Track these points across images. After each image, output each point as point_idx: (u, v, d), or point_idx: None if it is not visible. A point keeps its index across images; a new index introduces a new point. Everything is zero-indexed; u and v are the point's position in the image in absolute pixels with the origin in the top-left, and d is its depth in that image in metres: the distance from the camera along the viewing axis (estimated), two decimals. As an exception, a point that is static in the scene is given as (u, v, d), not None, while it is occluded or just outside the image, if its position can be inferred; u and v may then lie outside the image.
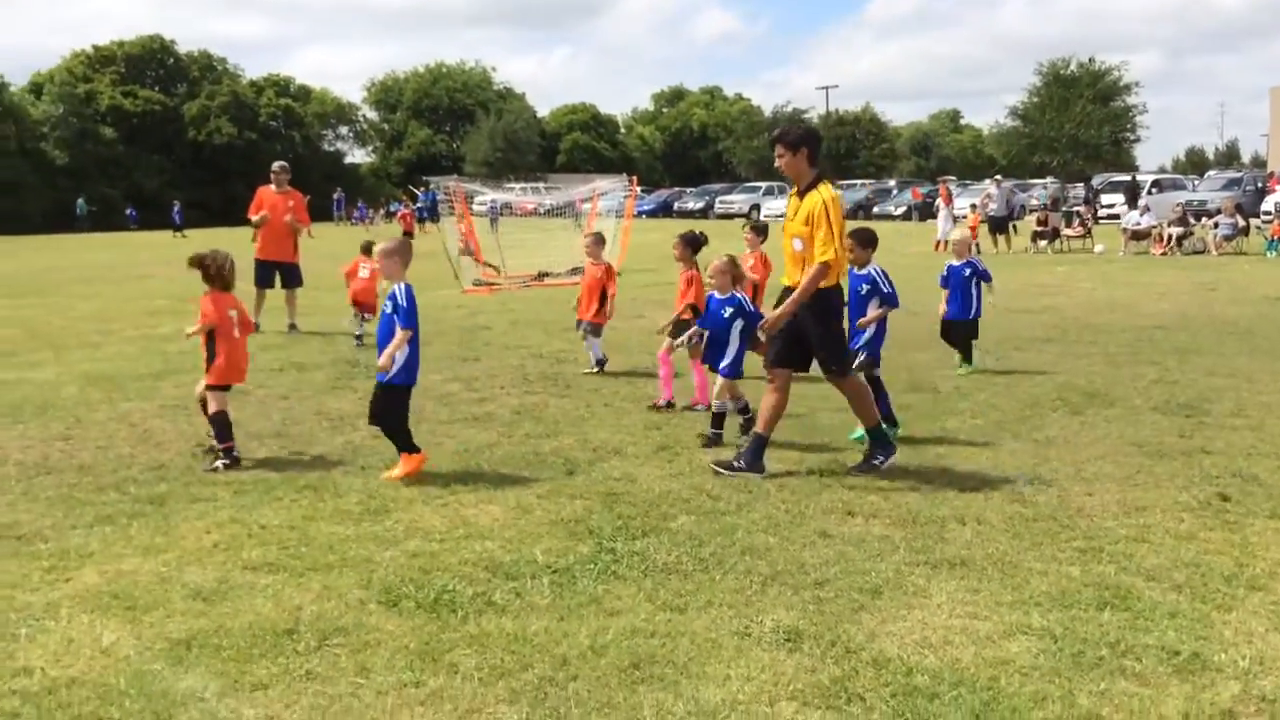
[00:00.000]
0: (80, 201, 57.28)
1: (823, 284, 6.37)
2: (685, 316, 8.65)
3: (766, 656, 3.87)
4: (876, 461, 6.59)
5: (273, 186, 13.60)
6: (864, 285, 9.06)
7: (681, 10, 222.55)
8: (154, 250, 35.29)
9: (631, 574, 4.74)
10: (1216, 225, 26.30)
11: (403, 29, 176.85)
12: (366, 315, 11.88)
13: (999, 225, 28.21)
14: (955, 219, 29.63)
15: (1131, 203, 30.52)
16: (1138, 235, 26.87)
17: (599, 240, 10.83)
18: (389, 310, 6.48)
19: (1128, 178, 44.94)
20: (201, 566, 4.91)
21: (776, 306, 6.70)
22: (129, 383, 9.82)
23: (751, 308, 7.48)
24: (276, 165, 13.99)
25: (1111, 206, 39.83)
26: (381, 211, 58.91)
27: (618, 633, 4.07)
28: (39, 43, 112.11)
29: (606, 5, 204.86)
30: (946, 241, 28.26)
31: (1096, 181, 48.17)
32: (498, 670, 3.78)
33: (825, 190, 6.41)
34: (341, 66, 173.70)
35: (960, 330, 10.36)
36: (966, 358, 10.27)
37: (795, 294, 6.40)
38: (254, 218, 13.53)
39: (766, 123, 79.08)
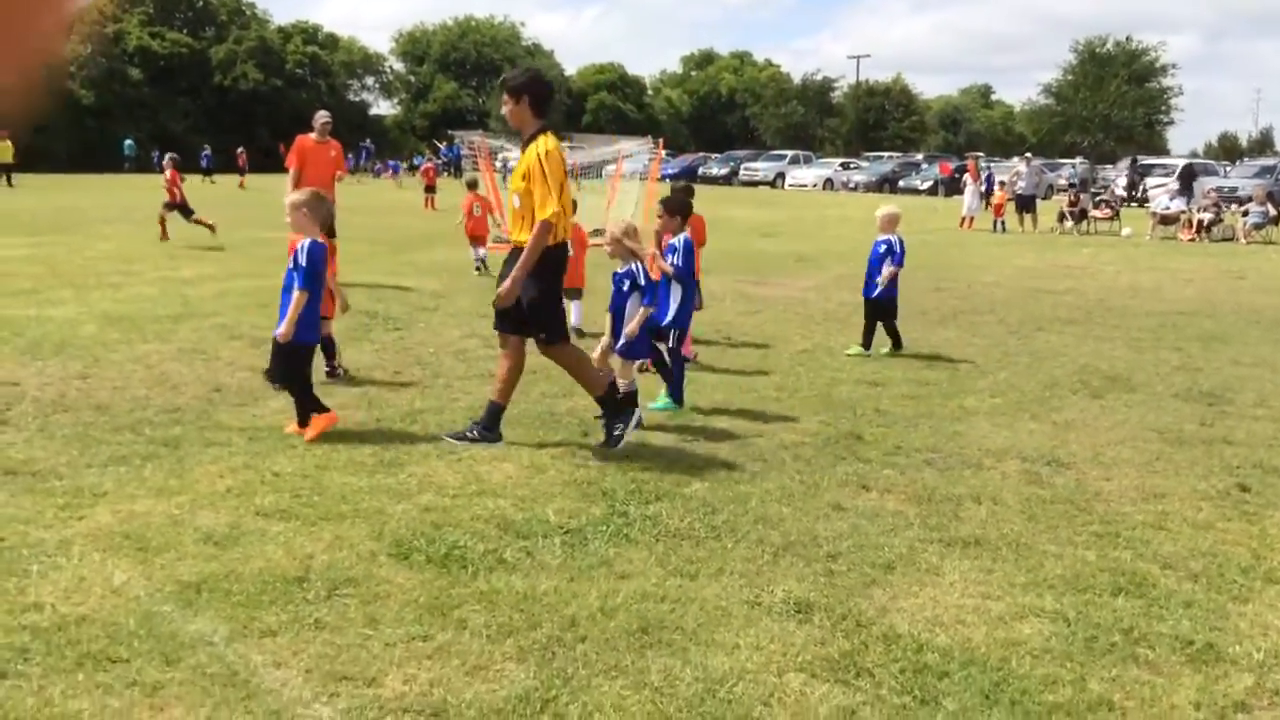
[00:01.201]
0: (129, 141, 57.17)
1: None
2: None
3: (776, 627, 3.85)
4: (616, 431, 6.11)
5: (314, 136, 13.34)
6: (881, 247, 9.60)
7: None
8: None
9: (643, 538, 4.73)
10: (1247, 213, 25.96)
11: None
12: (480, 250, 14.67)
13: (1026, 204, 27.92)
14: (982, 196, 29.30)
15: (1186, 188, 29.97)
16: (1166, 220, 26.55)
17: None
18: (291, 266, 6.24)
19: (1170, 160, 44.32)
20: (214, 511, 4.92)
21: (504, 267, 6.22)
22: (147, 324, 9.84)
23: (645, 280, 6.76)
24: (324, 115, 13.71)
25: (1139, 190, 39.25)
26: (405, 165, 58.42)
27: (627, 596, 4.06)
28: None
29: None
30: (973, 218, 28.06)
31: (1125, 163, 47.44)
32: (506, 628, 3.77)
33: (543, 142, 5.95)
34: (370, 16, 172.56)
35: (867, 308, 9.67)
36: (864, 342, 9.57)
37: (521, 258, 5.91)
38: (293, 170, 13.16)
39: (795, 90, 78.35)
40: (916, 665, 3.58)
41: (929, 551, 4.69)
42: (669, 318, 7.29)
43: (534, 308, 6.10)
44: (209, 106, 70.69)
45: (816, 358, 9.37)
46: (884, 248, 9.60)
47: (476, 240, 14.79)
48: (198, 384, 7.53)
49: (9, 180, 35.55)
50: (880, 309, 9.63)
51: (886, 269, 9.49)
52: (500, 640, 3.68)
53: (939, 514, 5.21)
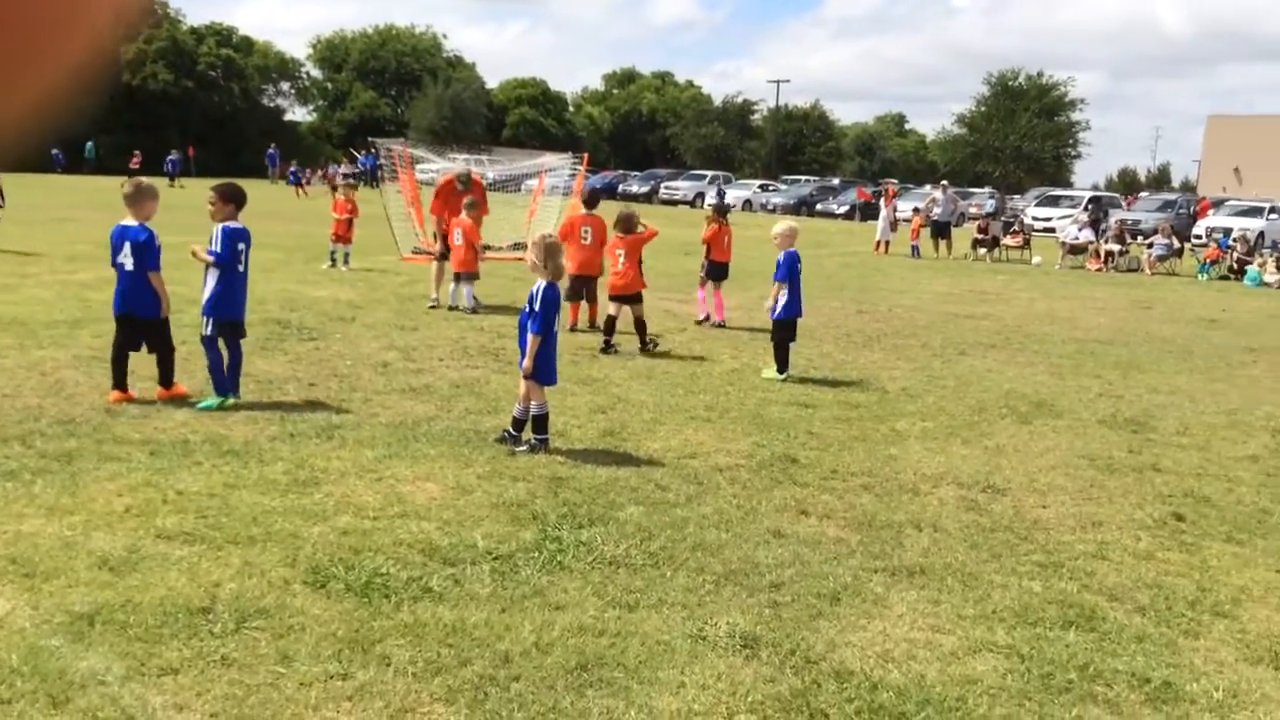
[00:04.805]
0: (89, 144, 55.09)
1: None
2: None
3: (722, 663, 3.63)
4: None
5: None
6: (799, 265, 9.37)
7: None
8: (78, 194, 34.01)
9: (578, 565, 4.47)
10: (1151, 245, 26.75)
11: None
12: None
13: (942, 230, 28.35)
14: (895, 222, 29.67)
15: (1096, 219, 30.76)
16: (1075, 250, 27.21)
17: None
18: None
19: (1078, 192, 45.56)
20: (110, 532, 4.53)
21: None
22: (42, 329, 9.26)
23: (534, 304, 6.30)
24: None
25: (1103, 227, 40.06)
26: (320, 173, 57.11)
27: (564, 629, 3.81)
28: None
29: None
30: (887, 242, 28.40)
31: (1035, 194, 48.60)
32: (433, 665, 3.49)
33: None
34: (287, 20, 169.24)
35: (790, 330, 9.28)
36: (780, 363, 9.21)
37: None
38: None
39: (715, 112, 78.93)
40: (872, 705, 3.39)
41: (874, 581, 4.52)
42: (205, 303, 6.94)
43: None
44: (115, 105, 68.38)
45: (745, 377, 9.22)
46: (799, 265, 9.28)
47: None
48: (96, 394, 7.06)
49: None
50: (779, 328, 9.30)
51: (774, 286, 9.18)
52: (427, 679, 3.40)
53: (880, 541, 5.06)
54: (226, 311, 6.96)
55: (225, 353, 6.99)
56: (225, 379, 6.96)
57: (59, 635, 3.54)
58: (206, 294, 6.95)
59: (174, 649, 3.48)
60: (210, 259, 6.90)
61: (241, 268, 7.00)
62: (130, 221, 6.92)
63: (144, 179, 7.80)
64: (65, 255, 15.41)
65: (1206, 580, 4.77)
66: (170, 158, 45.98)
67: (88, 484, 5.17)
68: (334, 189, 29.92)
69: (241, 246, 6.96)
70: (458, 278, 12.17)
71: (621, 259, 10.34)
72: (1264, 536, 5.50)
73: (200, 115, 61.35)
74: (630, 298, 10.25)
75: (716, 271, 12.35)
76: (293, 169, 46.36)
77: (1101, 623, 4.19)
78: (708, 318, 11.95)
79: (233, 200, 7.05)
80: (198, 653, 3.47)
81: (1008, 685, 3.59)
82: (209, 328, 6.92)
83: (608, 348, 9.91)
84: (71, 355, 8.24)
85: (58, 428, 6.16)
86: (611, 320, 10.16)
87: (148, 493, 5.08)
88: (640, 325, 10.19)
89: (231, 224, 6.97)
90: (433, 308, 12.24)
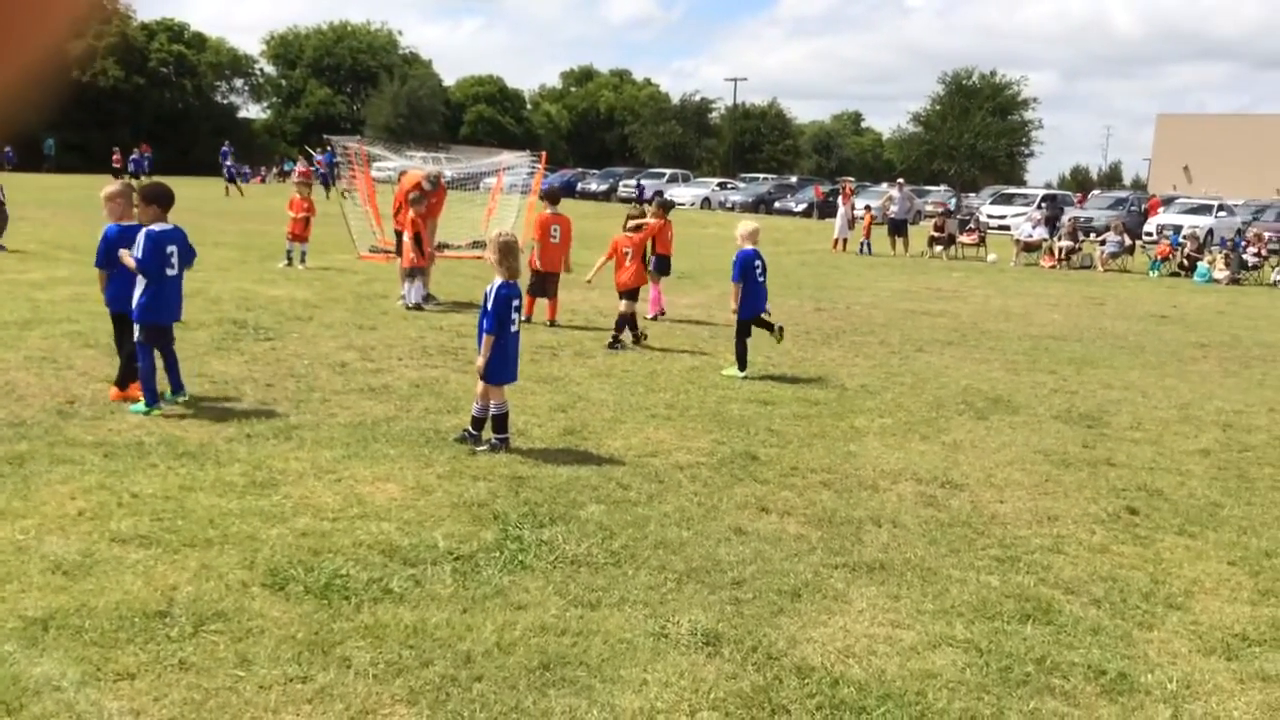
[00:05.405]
0: (50, 141, 53.99)
1: None
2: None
3: (685, 661, 3.65)
4: None
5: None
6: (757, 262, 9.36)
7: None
8: (30, 192, 33.38)
9: (539, 565, 4.47)
10: (1104, 242, 27.16)
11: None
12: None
13: (898, 228, 28.59)
14: (853, 220, 29.88)
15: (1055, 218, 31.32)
16: (1029, 247, 27.56)
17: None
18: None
19: (1031, 190, 46.19)
20: (64, 536, 4.46)
21: None
22: (-9, 330, 9.09)
23: (493, 301, 6.29)
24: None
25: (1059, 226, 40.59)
26: (275, 171, 56.48)
27: (525, 629, 3.80)
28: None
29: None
30: (845, 240, 28.59)
31: (989, 192, 49.17)
32: (394, 666, 3.47)
33: None
34: (241, 17, 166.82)
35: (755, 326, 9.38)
36: (740, 361, 9.26)
37: None
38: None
39: (673, 110, 79.08)
40: (833, 701, 3.42)
41: (834, 577, 4.56)
42: (135, 310, 6.69)
43: None
44: (63, 103, 67.16)
45: (705, 375, 9.25)
46: (759, 263, 9.34)
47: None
48: (47, 395, 6.95)
49: None
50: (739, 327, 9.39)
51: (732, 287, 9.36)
52: (388, 680, 3.38)
53: (841, 537, 5.10)
54: (155, 318, 6.70)
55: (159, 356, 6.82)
56: (155, 390, 6.70)
57: (12, 641, 3.48)
58: (135, 300, 6.66)
59: (130, 653, 3.44)
60: (134, 264, 6.64)
61: (172, 271, 6.75)
62: (132, 223, 6.88)
63: (131, 182, 7.85)
64: (17, 255, 15.13)
65: (1160, 573, 4.85)
66: (133, 157, 45.19)
67: (40, 487, 5.08)
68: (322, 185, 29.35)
69: (171, 250, 6.72)
70: (410, 274, 12.19)
71: (629, 257, 10.82)
72: (1215, 529, 5.61)
73: (152, 112, 60.51)
74: (633, 293, 10.62)
75: (662, 265, 12.95)
76: (229, 165, 45.10)
77: (1058, 616, 4.25)
78: (658, 315, 12.58)
79: (155, 201, 6.81)
80: (155, 657, 3.42)
81: (966, 679, 3.64)
82: (139, 334, 6.68)
83: (637, 340, 10.42)
84: (22, 356, 8.10)
85: (8, 430, 6.05)
86: (632, 317, 10.54)
87: (102, 495, 5.01)
88: (621, 322, 10.47)
89: (157, 226, 6.73)
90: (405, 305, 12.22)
